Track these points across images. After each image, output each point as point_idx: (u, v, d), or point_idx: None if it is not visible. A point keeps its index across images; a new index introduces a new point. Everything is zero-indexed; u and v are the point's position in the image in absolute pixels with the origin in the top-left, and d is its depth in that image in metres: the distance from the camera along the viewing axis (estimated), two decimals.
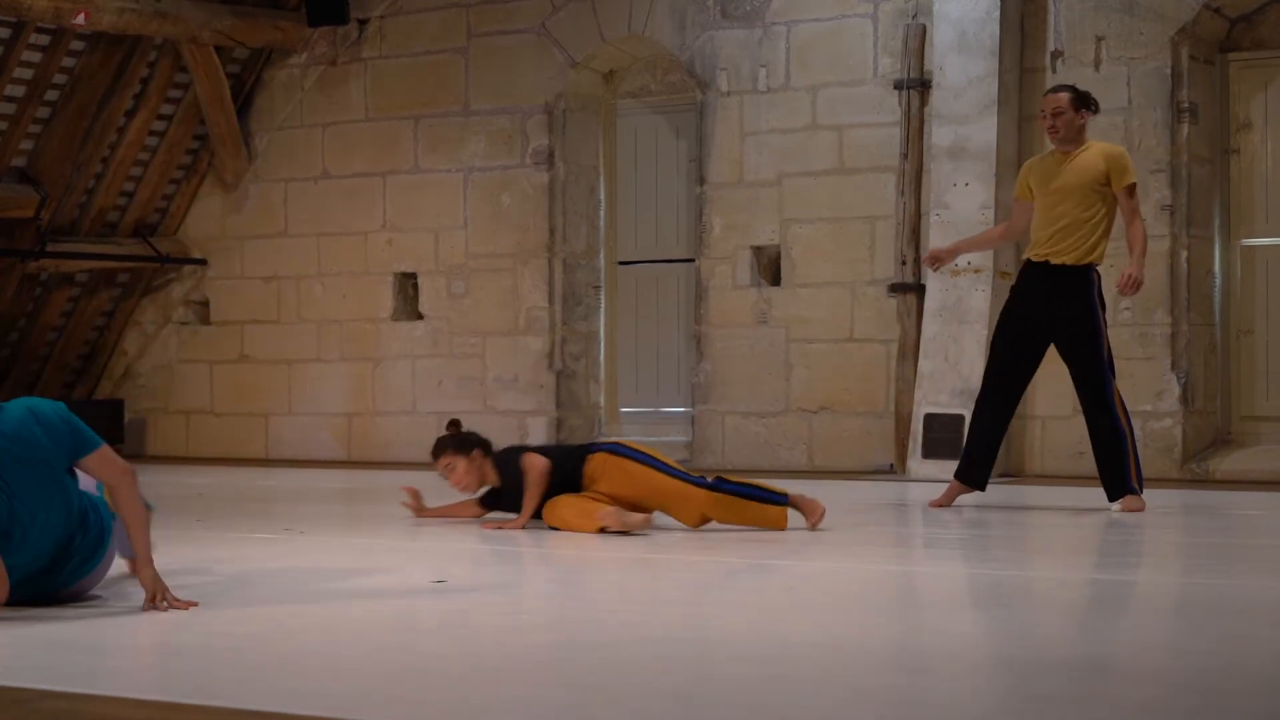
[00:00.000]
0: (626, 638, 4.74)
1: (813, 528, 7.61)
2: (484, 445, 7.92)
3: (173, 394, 14.58)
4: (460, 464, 7.83)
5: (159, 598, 5.20)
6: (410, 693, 3.95)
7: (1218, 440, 11.25)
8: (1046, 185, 8.60)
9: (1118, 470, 8.48)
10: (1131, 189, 8.49)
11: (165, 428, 14.61)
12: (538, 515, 7.78)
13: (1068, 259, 8.49)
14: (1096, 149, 8.57)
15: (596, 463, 7.72)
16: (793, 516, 7.69)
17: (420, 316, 13.57)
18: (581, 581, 6.23)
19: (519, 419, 12.97)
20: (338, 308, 13.87)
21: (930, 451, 11.12)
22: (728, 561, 6.74)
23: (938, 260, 9.17)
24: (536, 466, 7.71)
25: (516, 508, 7.79)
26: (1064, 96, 8.60)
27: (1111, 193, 8.50)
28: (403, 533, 7.67)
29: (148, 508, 5.58)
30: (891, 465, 11.62)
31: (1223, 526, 8.34)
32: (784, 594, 5.72)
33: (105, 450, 5.27)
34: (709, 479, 7.66)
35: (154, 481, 11.80)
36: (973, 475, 8.78)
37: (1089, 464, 8.74)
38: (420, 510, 8.21)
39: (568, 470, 7.74)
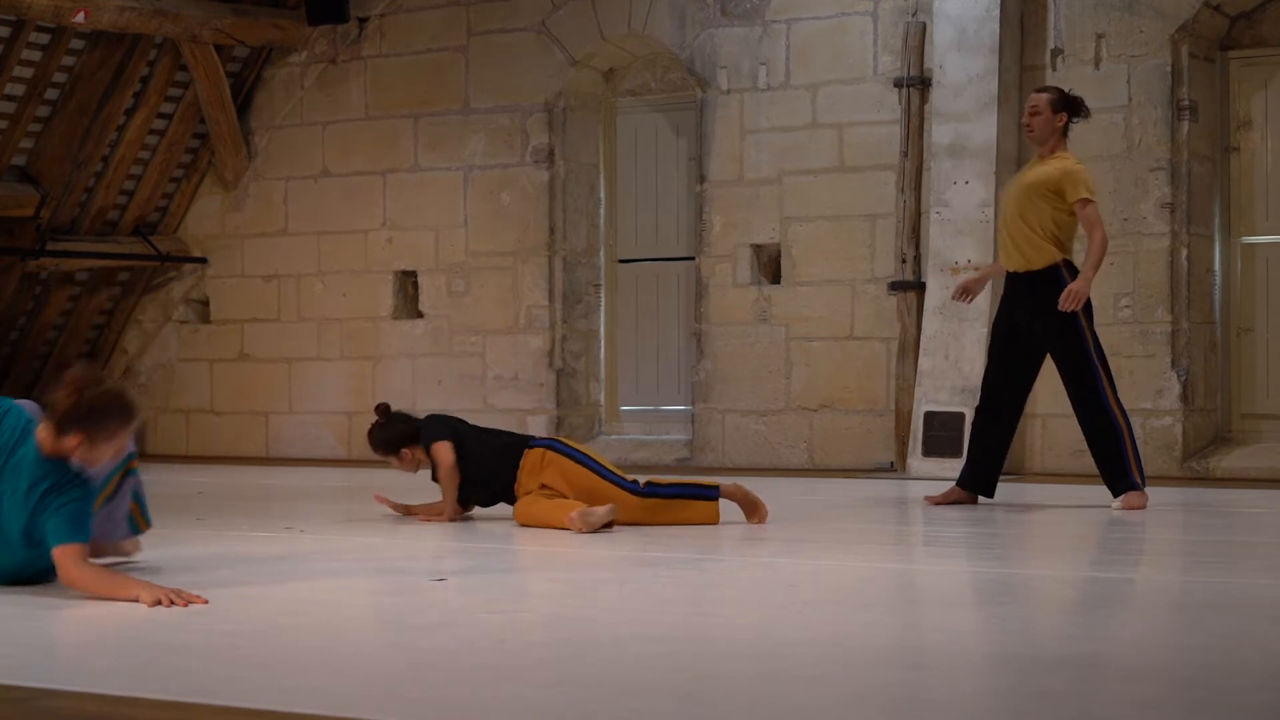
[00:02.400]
0: (627, 636, 4.74)
1: (757, 523, 7.68)
2: (409, 437, 8.07)
3: (173, 392, 14.58)
4: (394, 463, 8.16)
5: (165, 602, 5.23)
6: (410, 690, 3.95)
7: (1218, 438, 11.24)
8: (1007, 188, 8.74)
9: (1117, 465, 8.49)
10: (1085, 203, 8.49)
11: (165, 426, 14.61)
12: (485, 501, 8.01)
13: (1033, 265, 8.54)
14: (1060, 161, 8.58)
15: (534, 457, 7.83)
16: (728, 510, 7.79)
17: (420, 315, 13.57)
18: (581, 580, 6.23)
19: (519, 417, 12.97)
20: (338, 306, 13.87)
21: (930, 449, 11.12)
22: (727, 560, 6.74)
23: (969, 292, 9.13)
24: (445, 462, 7.90)
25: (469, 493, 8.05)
26: (1044, 97, 8.69)
27: (1062, 201, 8.52)
28: (403, 531, 7.67)
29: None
30: (892, 463, 11.62)
31: (1223, 524, 8.34)
32: (784, 592, 5.72)
33: (76, 551, 5.35)
34: (641, 483, 7.74)
35: (154, 480, 11.78)
36: (973, 483, 8.80)
37: (1090, 461, 8.74)
38: (400, 507, 8.29)
39: (504, 463, 7.90)
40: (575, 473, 7.78)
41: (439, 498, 8.35)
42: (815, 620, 5.05)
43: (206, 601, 5.27)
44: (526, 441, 7.97)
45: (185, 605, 5.20)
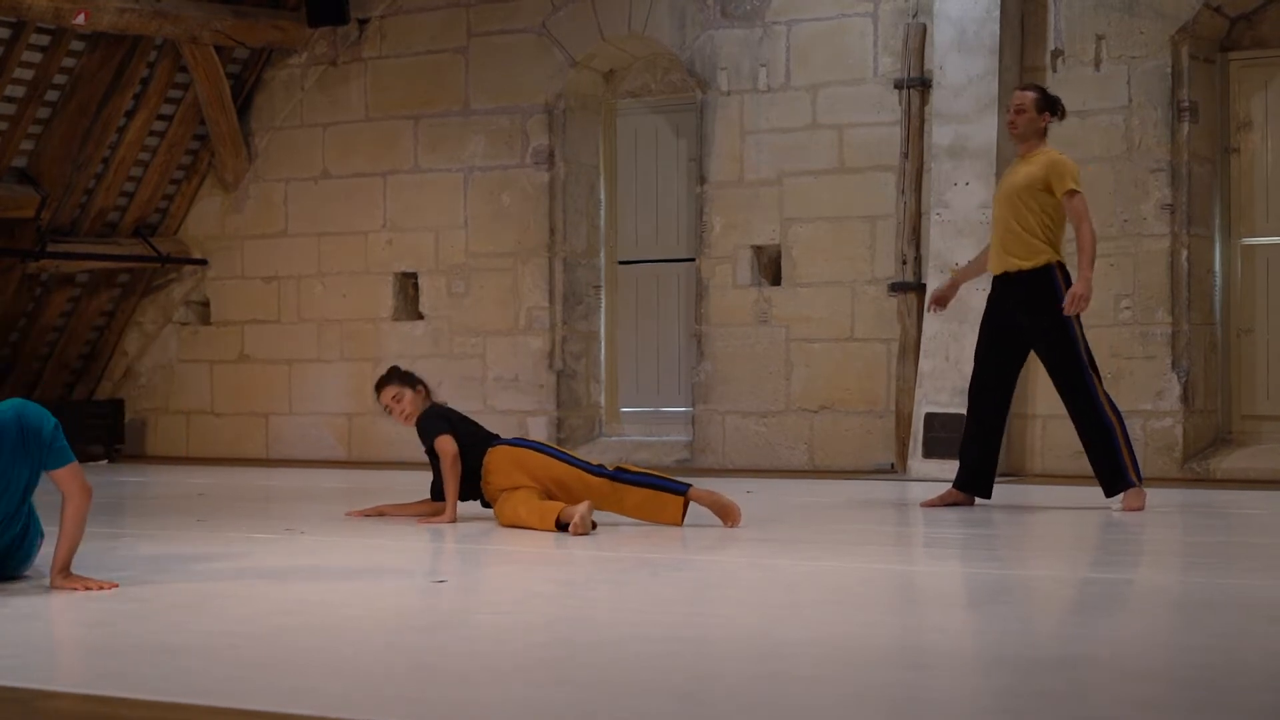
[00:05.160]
0: (627, 636, 4.74)
1: (732, 526, 7.67)
2: (426, 387, 8.23)
3: (173, 394, 14.58)
4: (407, 394, 8.14)
5: (80, 589, 5.55)
6: (411, 692, 3.96)
7: (1218, 439, 11.24)
8: (998, 190, 8.74)
9: (1112, 464, 8.48)
10: (1072, 194, 8.48)
11: (166, 428, 14.61)
12: (480, 503, 8.05)
13: (1023, 265, 8.54)
14: (1045, 155, 8.59)
15: (497, 456, 7.88)
16: (701, 515, 7.78)
17: (420, 316, 13.57)
18: (581, 581, 6.23)
19: (519, 419, 12.98)
20: (338, 307, 13.87)
21: (931, 450, 11.12)
22: (727, 561, 6.74)
23: (943, 301, 9.15)
24: (448, 453, 7.93)
25: (436, 474, 8.08)
26: (1030, 95, 8.69)
27: (1053, 197, 8.51)
28: (403, 533, 7.68)
29: None
30: (892, 464, 11.62)
31: (1222, 525, 8.34)
32: (784, 593, 5.72)
33: (76, 466, 5.69)
34: (610, 468, 7.76)
35: (155, 482, 11.81)
36: (968, 484, 8.80)
37: (1088, 462, 8.73)
38: (372, 511, 8.35)
39: (471, 461, 7.95)
40: (538, 463, 7.82)
41: (402, 499, 8.48)
42: (815, 621, 5.05)
43: (116, 585, 5.58)
44: (490, 441, 8.01)
45: (100, 589, 5.52)
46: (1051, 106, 8.68)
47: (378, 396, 8.22)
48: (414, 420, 8.12)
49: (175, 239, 14.48)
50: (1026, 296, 8.55)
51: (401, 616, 5.27)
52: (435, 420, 8.05)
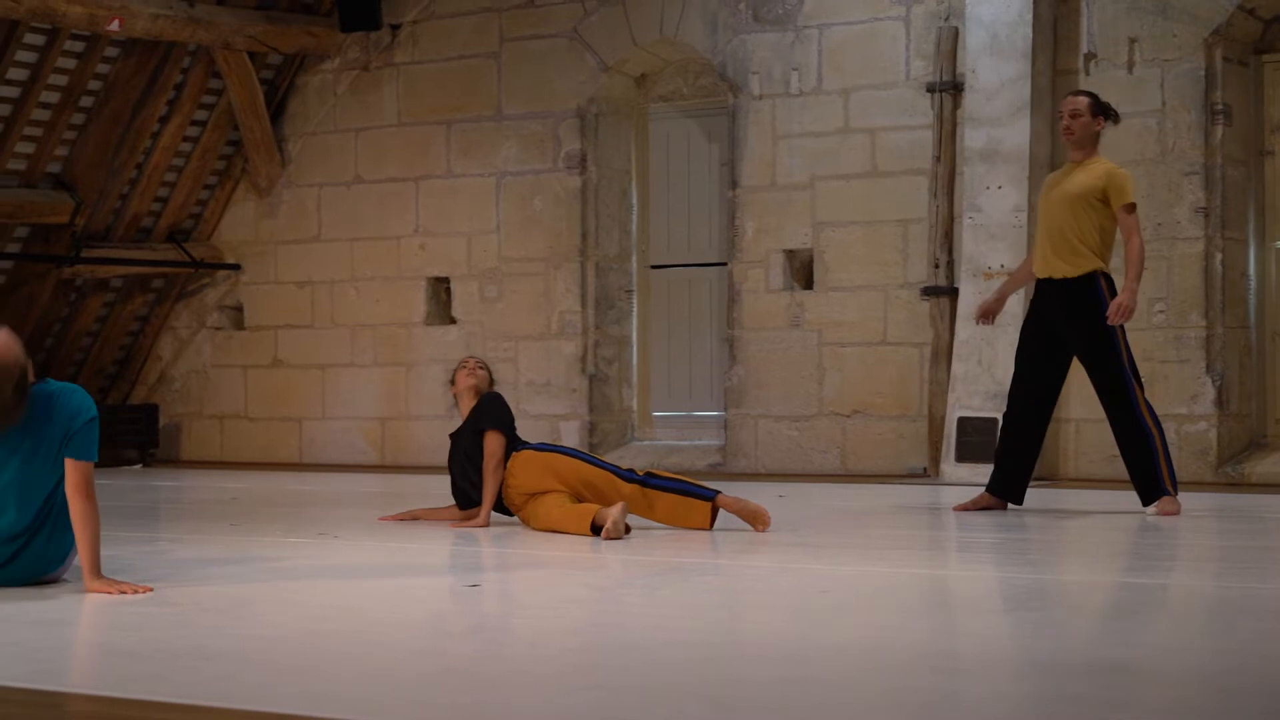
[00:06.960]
0: (658, 641, 4.74)
1: (762, 530, 7.68)
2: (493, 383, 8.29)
3: (207, 399, 14.63)
4: (471, 376, 8.16)
5: (115, 592, 5.57)
6: (442, 696, 3.96)
7: (1252, 443, 11.20)
8: (1049, 194, 8.69)
9: (1149, 473, 8.46)
10: (1130, 208, 8.47)
11: (200, 432, 14.66)
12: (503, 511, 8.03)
13: (1069, 272, 8.52)
14: (1101, 166, 8.57)
15: (523, 460, 7.89)
16: (727, 519, 7.79)
17: (453, 321, 13.59)
18: (612, 586, 6.23)
19: (551, 423, 12.99)
20: (371, 312, 13.90)
21: (963, 455, 11.10)
22: (759, 565, 6.74)
23: (990, 313, 9.12)
24: (495, 454, 7.91)
25: (469, 461, 8.05)
26: (1084, 100, 8.67)
27: (1108, 209, 8.50)
28: (435, 537, 7.69)
29: None
30: (925, 469, 11.60)
31: (1257, 530, 8.30)
32: (816, 597, 5.71)
33: (89, 469, 5.67)
34: (639, 473, 7.76)
35: (188, 486, 11.85)
36: (1002, 489, 8.77)
37: (1123, 467, 8.71)
38: (405, 516, 8.38)
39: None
40: (568, 466, 7.82)
41: (435, 504, 8.49)
42: (846, 625, 5.04)
43: (152, 589, 5.61)
44: (516, 446, 8.01)
45: (133, 592, 5.55)
46: (1105, 111, 8.68)
47: (461, 364, 8.25)
48: (479, 390, 8.12)
49: (209, 244, 14.53)
50: (1070, 303, 8.53)
51: (434, 621, 5.28)
52: (502, 413, 8.03)
